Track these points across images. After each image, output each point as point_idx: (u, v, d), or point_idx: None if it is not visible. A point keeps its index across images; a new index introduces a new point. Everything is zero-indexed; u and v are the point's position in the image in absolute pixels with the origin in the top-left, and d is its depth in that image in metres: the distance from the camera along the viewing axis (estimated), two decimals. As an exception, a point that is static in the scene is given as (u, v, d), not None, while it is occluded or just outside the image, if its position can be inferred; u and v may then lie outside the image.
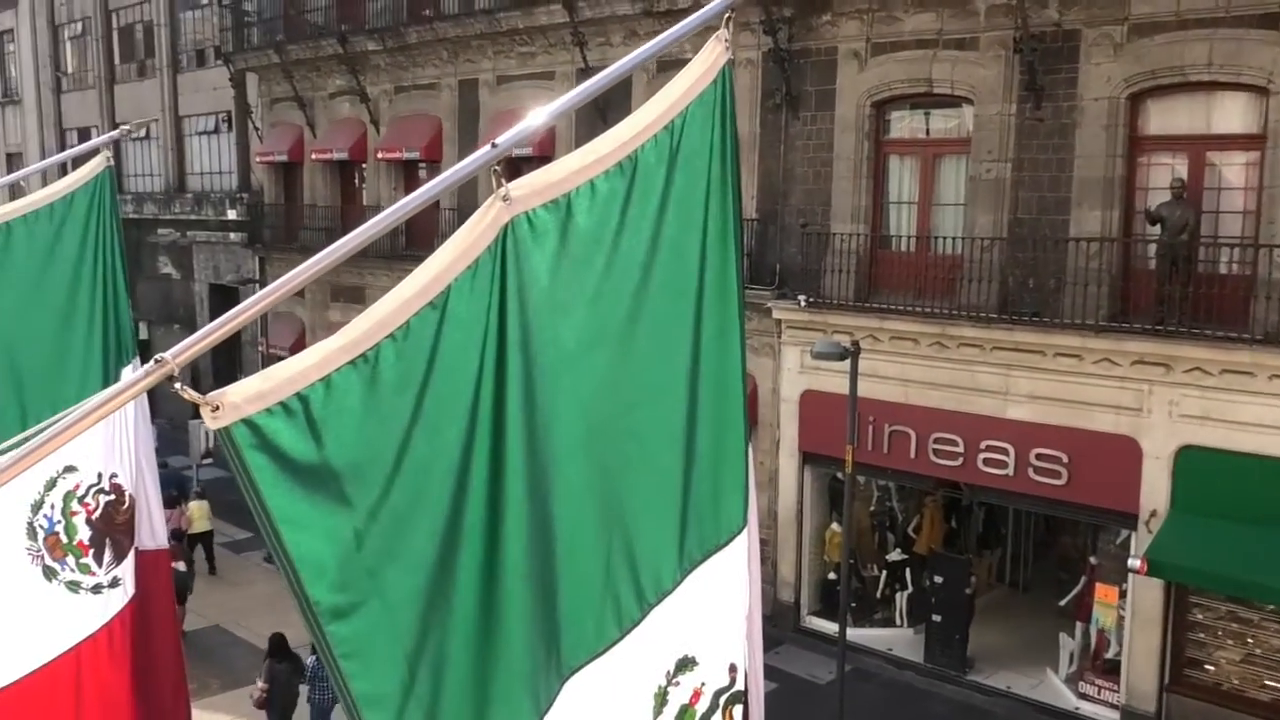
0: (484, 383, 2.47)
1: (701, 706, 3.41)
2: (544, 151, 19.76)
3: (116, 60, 32.80)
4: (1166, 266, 13.30)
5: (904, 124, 16.44)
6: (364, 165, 25.24)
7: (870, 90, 16.02)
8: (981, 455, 15.13)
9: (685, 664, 3.32)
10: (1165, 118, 13.88)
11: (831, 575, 17.46)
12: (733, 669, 3.51)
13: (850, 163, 16.34)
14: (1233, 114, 13.42)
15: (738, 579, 3.49)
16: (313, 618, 2.23)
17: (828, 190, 16.62)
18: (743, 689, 3.55)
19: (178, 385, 2.08)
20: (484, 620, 2.53)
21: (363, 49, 23.57)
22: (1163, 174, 13.76)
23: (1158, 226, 13.38)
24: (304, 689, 13.45)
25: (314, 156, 25.70)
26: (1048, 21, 14.06)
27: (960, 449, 15.35)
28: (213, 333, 2.22)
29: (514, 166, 22.79)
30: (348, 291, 23.92)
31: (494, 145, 2.48)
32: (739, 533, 3.46)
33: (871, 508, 18.24)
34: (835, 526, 17.25)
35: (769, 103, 16.79)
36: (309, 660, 13.29)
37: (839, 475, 16.95)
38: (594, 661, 2.94)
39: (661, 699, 3.25)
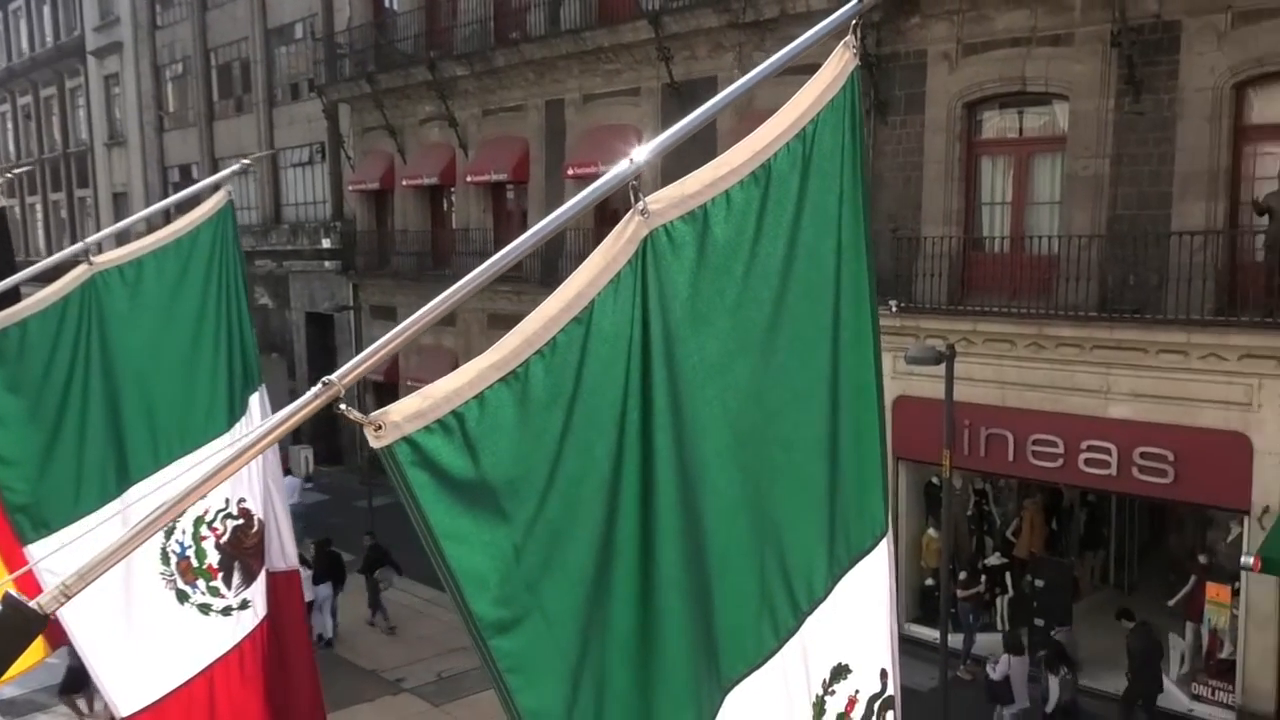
0: (630, 396, 2.50)
1: (857, 714, 3.42)
2: (631, 167, 20.00)
3: (215, 97, 34.04)
4: (1276, 257, 13.03)
5: (996, 124, 16.37)
6: (453, 189, 25.70)
7: (961, 91, 16.00)
8: (1083, 455, 14.90)
9: (840, 672, 3.34)
10: (1273, 105, 13.62)
11: (929, 581, 17.28)
12: (884, 674, 3.53)
13: (941, 165, 16.31)
14: (1343, 97, 13.16)
15: (882, 583, 3.51)
16: (476, 633, 2.26)
17: (918, 194, 16.60)
18: (894, 694, 3.57)
19: (343, 406, 2.14)
20: (643, 634, 2.55)
21: (451, 74, 24.13)
22: (1271, 163, 13.48)
23: (1265, 217, 13.13)
24: None
25: (404, 183, 26.25)
26: (1146, 13, 13.91)
27: (1060, 450, 15.15)
28: (373, 355, 2.26)
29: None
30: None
31: (631, 161, 2.51)
32: (882, 536, 3.50)
33: (968, 512, 18.04)
34: (932, 532, 17.10)
35: (856, 110, 16.82)
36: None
37: (934, 480, 16.86)
38: (753, 673, 2.96)
39: (820, 708, 3.26)
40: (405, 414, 2.14)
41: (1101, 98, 14.52)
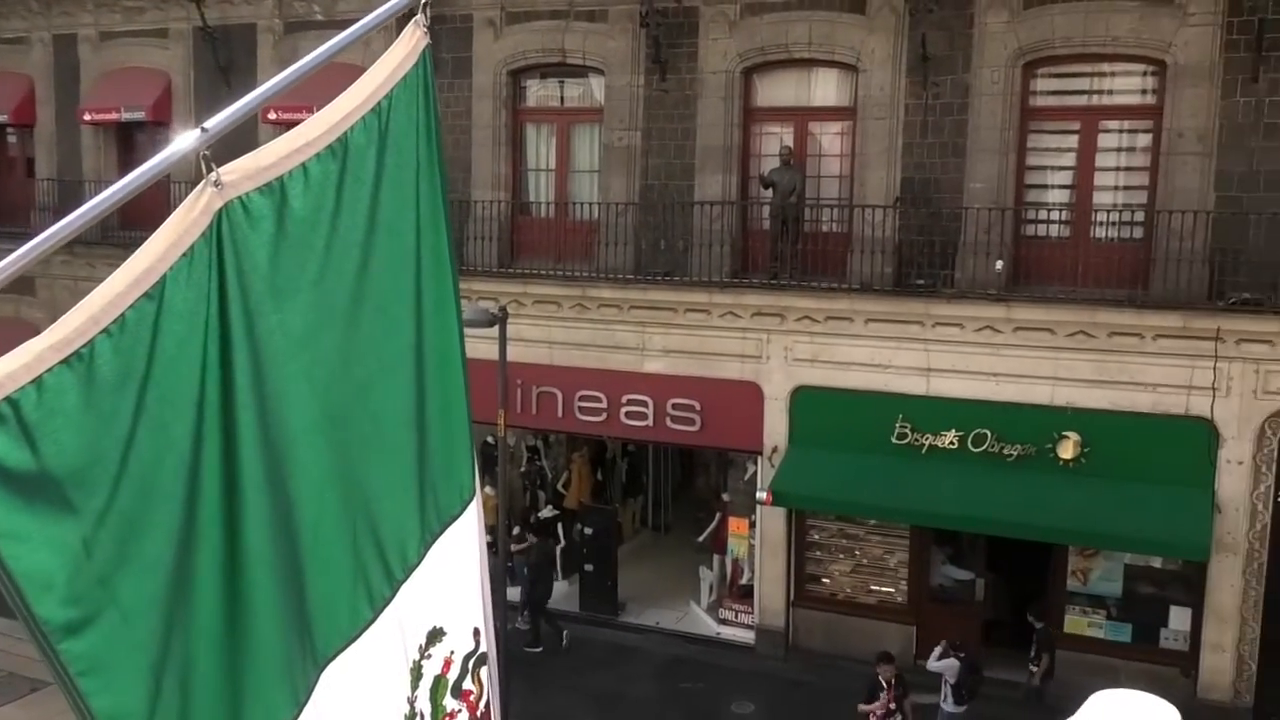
0: (209, 374, 2.43)
1: (453, 674, 3.52)
2: (159, 115, 18.56)
3: None
4: (778, 226, 14.76)
5: (539, 93, 16.96)
6: (-64, 130, 22.32)
7: (506, 59, 16.37)
8: (624, 409, 16.04)
9: (435, 635, 3.42)
10: (774, 91, 15.36)
11: (488, 538, 17.74)
12: (476, 633, 3.65)
13: (489, 130, 16.63)
14: (829, 88, 15.14)
15: (472, 544, 3.60)
16: (42, 638, 2.09)
17: (468, 158, 16.80)
18: (486, 650, 3.70)
19: None
20: (229, 618, 2.49)
21: (-73, -5, 20.76)
22: (773, 142, 15.23)
23: (769, 190, 14.80)
24: None
25: None
26: (671, -3, 15.08)
27: (604, 405, 16.18)
28: None
29: None
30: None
31: (204, 130, 2.42)
32: (470, 499, 3.60)
33: (522, 468, 18.75)
34: (489, 490, 17.56)
35: (404, 70, 16.65)
36: None
37: (490, 439, 17.33)
38: (350, 646, 2.98)
39: (417, 673, 3.34)
40: None
41: (633, 74, 15.55)
